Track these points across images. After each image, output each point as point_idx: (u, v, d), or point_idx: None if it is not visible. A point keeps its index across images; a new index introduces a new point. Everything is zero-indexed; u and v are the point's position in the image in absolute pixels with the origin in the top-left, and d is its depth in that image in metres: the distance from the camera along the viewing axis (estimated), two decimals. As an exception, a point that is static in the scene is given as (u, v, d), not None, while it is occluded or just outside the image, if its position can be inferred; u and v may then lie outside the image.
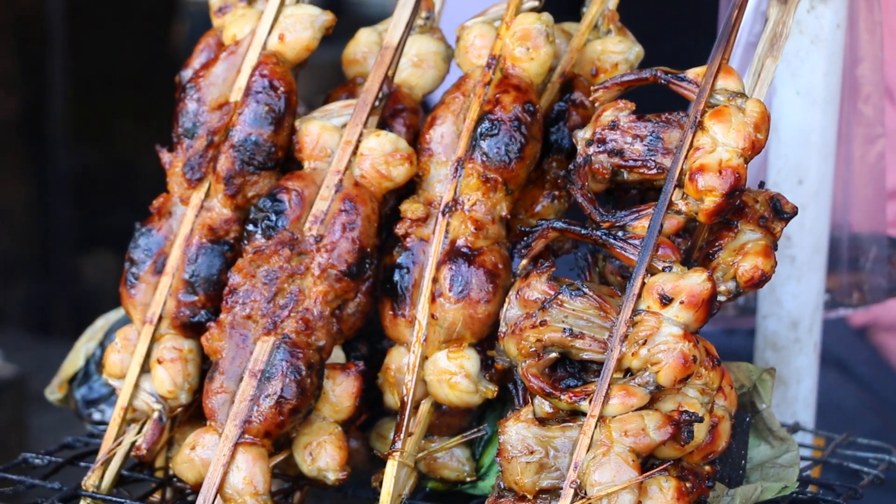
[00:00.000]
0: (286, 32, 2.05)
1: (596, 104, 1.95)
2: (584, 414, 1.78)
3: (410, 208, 1.99)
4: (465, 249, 1.95)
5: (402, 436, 1.94)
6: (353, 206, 1.97)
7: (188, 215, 2.04)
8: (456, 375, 1.94)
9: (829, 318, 2.49)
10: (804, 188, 2.32)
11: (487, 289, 1.94)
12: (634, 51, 2.08)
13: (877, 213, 2.47)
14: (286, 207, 1.97)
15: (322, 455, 1.93)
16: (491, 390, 1.96)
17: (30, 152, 6.26)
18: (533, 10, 2.03)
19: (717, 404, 1.84)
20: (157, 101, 6.39)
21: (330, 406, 1.96)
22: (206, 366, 2.04)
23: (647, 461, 1.78)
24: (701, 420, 1.77)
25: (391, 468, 1.93)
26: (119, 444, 2.02)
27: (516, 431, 1.80)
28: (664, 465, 1.77)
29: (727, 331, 2.79)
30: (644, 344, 1.77)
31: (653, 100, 1.99)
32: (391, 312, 1.98)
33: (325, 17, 2.07)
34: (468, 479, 2.04)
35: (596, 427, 1.76)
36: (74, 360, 2.30)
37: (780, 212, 1.91)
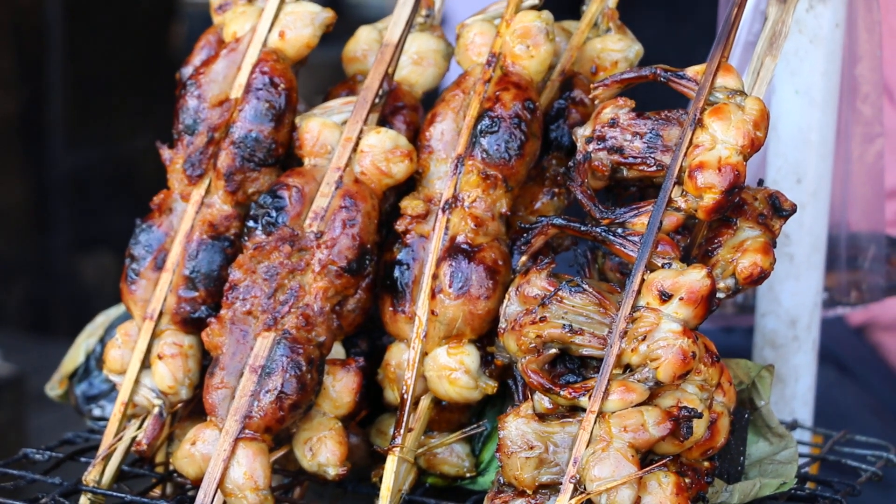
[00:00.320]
0: (287, 30, 2.06)
1: (596, 102, 1.95)
2: (584, 409, 1.78)
3: (410, 205, 2.00)
4: (465, 246, 1.96)
5: (401, 431, 1.95)
6: (353, 202, 1.98)
7: (189, 212, 2.05)
8: (456, 371, 1.95)
9: (827, 317, 2.49)
10: (803, 187, 2.32)
11: (487, 285, 1.94)
12: (634, 49, 2.08)
13: (875, 212, 2.47)
14: (286, 204, 1.98)
15: (322, 450, 1.94)
16: (491, 386, 1.96)
17: (28, 152, 6.26)
18: (533, 7, 2.04)
19: (716, 401, 1.85)
20: (156, 101, 6.40)
21: (330, 402, 1.97)
22: (206, 361, 2.04)
23: (646, 457, 1.79)
24: (700, 416, 1.78)
25: (391, 464, 1.94)
26: (119, 439, 2.02)
27: (516, 427, 1.80)
28: (663, 461, 1.77)
29: (725, 329, 2.80)
30: (643, 340, 1.78)
31: (652, 98, 1.99)
32: (391, 309, 1.99)
33: (325, 15, 2.07)
34: (468, 475, 2.04)
35: (595, 422, 1.77)
36: (75, 357, 2.30)
37: (779, 209, 1.91)
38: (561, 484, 1.76)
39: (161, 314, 2.04)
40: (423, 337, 1.96)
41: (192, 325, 2.03)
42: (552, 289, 1.83)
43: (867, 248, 2.50)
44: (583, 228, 1.89)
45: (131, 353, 2.04)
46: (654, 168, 1.88)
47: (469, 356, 1.95)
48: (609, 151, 1.90)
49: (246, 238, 1.99)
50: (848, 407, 2.85)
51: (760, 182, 1.98)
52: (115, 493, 1.99)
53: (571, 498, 1.74)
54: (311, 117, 2.03)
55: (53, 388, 2.32)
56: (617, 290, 1.85)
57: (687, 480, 1.80)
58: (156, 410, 2.03)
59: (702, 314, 1.80)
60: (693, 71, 1.90)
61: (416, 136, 2.06)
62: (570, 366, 1.84)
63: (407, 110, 2.09)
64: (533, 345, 1.82)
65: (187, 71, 2.11)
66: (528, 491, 1.79)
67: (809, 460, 2.19)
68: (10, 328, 6.11)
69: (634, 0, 2.14)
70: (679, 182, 1.85)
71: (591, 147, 1.90)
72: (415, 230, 1.99)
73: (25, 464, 2.09)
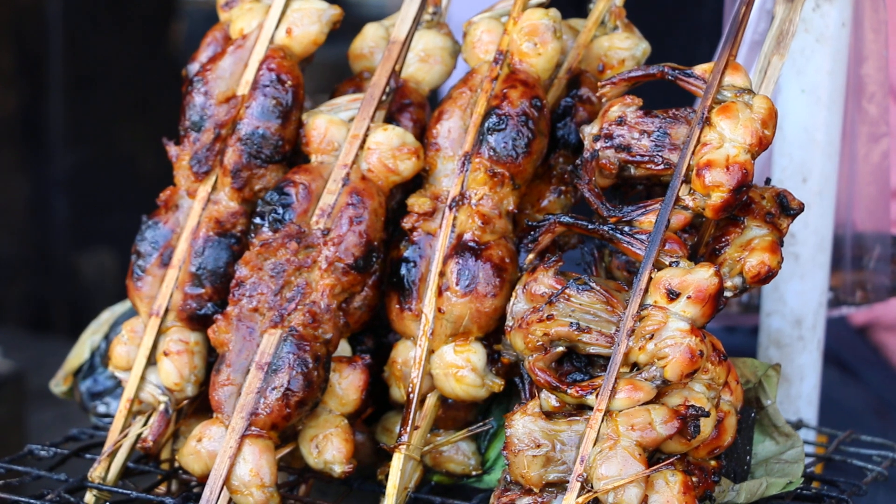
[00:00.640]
0: (293, 26, 2.06)
1: (603, 100, 1.95)
2: (591, 408, 1.78)
3: (417, 202, 1.99)
4: (472, 243, 1.96)
5: (408, 429, 1.95)
6: (360, 199, 1.97)
7: (195, 208, 2.05)
8: (462, 369, 1.95)
9: (831, 317, 2.49)
10: (808, 186, 2.32)
11: (494, 283, 1.94)
12: (641, 47, 2.08)
13: (880, 211, 2.47)
14: (293, 201, 1.97)
15: (328, 448, 1.94)
16: (497, 384, 1.96)
17: (28, 150, 6.26)
18: (540, 5, 2.04)
19: (723, 399, 1.85)
20: (156, 100, 6.39)
21: (336, 399, 1.97)
22: (212, 358, 2.04)
23: (653, 455, 1.78)
24: (707, 415, 1.78)
25: (397, 461, 1.94)
26: (125, 436, 2.02)
27: (523, 425, 1.80)
28: (671, 460, 1.77)
29: (728, 328, 2.80)
30: (651, 338, 1.77)
31: (657, 96, 1.99)
32: (398, 306, 1.98)
33: (332, 12, 2.07)
34: (474, 473, 2.04)
35: (602, 421, 1.76)
36: (79, 353, 2.30)
37: (787, 208, 1.91)
38: (568, 482, 1.76)
39: (167, 311, 2.03)
40: (430, 334, 1.96)
41: (199, 322, 2.03)
42: (559, 287, 1.83)
43: (872, 247, 2.50)
44: (590, 226, 1.89)
45: (137, 350, 2.04)
46: (661, 166, 1.88)
47: (476, 354, 1.95)
48: (616, 149, 1.90)
49: (252, 235, 1.98)
50: (850, 407, 2.85)
51: (768, 181, 1.98)
52: (120, 490, 1.98)
53: (578, 496, 1.74)
54: (317, 114, 2.03)
55: (58, 385, 2.31)
56: (624, 288, 1.84)
57: (694, 479, 1.80)
58: (161, 407, 2.02)
59: (709, 313, 1.80)
60: (701, 69, 1.90)
61: (422, 133, 2.05)
62: (577, 364, 1.84)
63: (414, 108, 2.08)
64: (540, 343, 1.82)
65: (194, 67, 2.11)
66: (534, 489, 1.79)
67: (815, 460, 2.19)
68: (9, 325, 6.11)
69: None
70: (687, 180, 1.85)
71: (598, 145, 1.90)
72: (422, 227, 1.98)
73: (30, 460, 2.09)
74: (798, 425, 2.31)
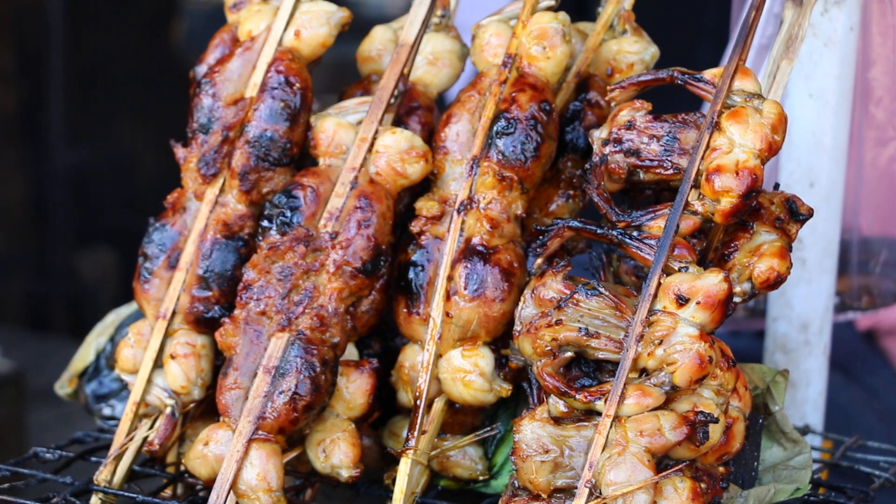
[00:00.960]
0: (302, 29, 2.05)
1: (612, 104, 1.95)
2: (600, 413, 1.78)
3: (425, 206, 1.99)
4: (480, 248, 1.95)
5: (415, 433, 1.94)
6: (368, 203, 1.97)
7: (202, 211, 2.04)
8: (470, 374, 1.94)
9: (837, 322, 2.49)
10: (815, 191, 2.32)
11: (503, 287, 1.94)
12: (650, 51, 2.08)
13: (887, 216, 2.47)
14: (301, 204, 1.97)
15: (336, 452, 1.93)
16: (505, 389, 1.96)
17: (28, 148, 6.25)
18: (549, 9, 2.03)
19: (731, 405, 1.84)
20: (156, 99, 6.39)
21: (344, 403, 1.96)
22: (219, 362, 2.04)
23: (662, 462, 1.78)
24: (716, 421, 1.77)
25: (404, 466, 1.93)
26: (131, 439, 2.02)
27: (531, 430, 1.79)
28: (679, 466, 1.77)
29: (733, 333, 2.80)
30: (660, 344, 1.77)
31: (660, 100, 1.99)
32: (405, 310, 1.98)
33: (341, 14, 2.07)
34: (481, 478, 2.04)
35: (611, 427, 1.76)
36: (84, 355, 2.29)
37: (796, 213, 1.91)
38: (576, 488, 1.76)
39: (174, 313, 2.03)
40: (438, 339, 1.95)
41: (206, 325, 2.02)
42: (568, 292, 1.82)
43: (879, 252, 2.50)
44: (599, 231, 1.88)
45: (144, 353, 2.03)
46: (670, 171, 1.87)
47: (484, 358, 1.95)
48: (626, 154, 1.89)
49: (260, 238, 1.98)
50: (854, 412, 2.85)
51: (776, 186, 1.97)
52: (126, 493, 1.98)
53: (587, 502, 1.74)
54: (326, 117, 2.03)
55: (63, 387, 2.31)
56: (633, 293, 1.84)
57: (703, 485, 1.80)
58: (168, 410, 2.02)
59: (718, 318, 1.80)
60: (710, 74, 1.89)
61: (430, 136, 2.05)
62: (586, 369, 1.83)
63: (422, 111, 2.08)
64: (548, 348, 1.82)
65: (201, 69, 2.10)
66: (543, 495, 1.79)
67: (821, 466, 2.19)
68: (8, 324, 6.10)
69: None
70: (696, 185, 1.84)
71: (607, 149, 1.90)
72: (430, 231, 1.98)
73: (35, 463, 2.08)
74: (804, 431, 2.30)
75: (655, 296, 1.80)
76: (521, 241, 1.99)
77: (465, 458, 2.03)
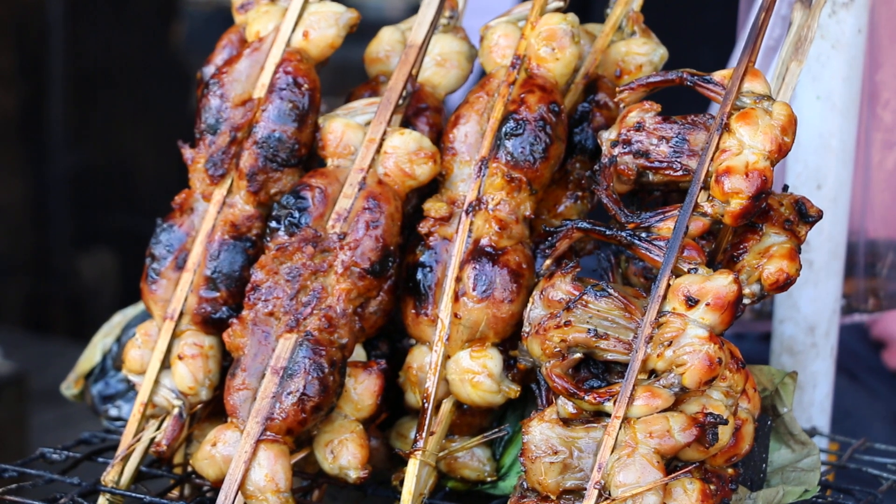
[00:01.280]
0: (310, 29, 2.05)
1: (621, 105, 1.94)
2: (609, 415, 1.77)
3: (434, 207, 1.99)
4: (488, 249, 1.95)
5: (423, 435, 1.94)
6: (376, 204, 1.97)
7: (210, 211, 2.04)
8: (479, 375, 1.94)
9: (843, 324, 2.49)
10: (823, 193, 2.31)
11: (511, 288, 1.94)
12: (659, 52, 2.08)
13: (894, 218, 2.47)
14: (309, 205, 1.96)
15: (343, 453, 1.93)
16: (514, 390, 1.96)
17: (28, 150, 6.25)
18: (558, 10, 2.03)
19: (740, 407, 1.84)
20: (157, 101, 6.39)
21: (352, 404, 1.96)
22: (226, 362, 2.04)
23: (671, 463, 1.78)
24: (725, 422, 1.77)
25: (413, 467, 1.93)
26: (138, 439, 2.01)
27: (540, 431, 1.79)
28: (689, 468, 1.76)
29: (738, 335, 2.79)
30: (669, 345, 1.77)
31: (671, 102, 1.99)
32: (413, 311, 1.98)
33: (349, 15, 2.07)
34: (489, 479, 2.03)
35: (620, 428, 1.76)
36: (91, 356, 2.29)
37: (805, 215, 1.90)
38: (585, 489, 1.75)
39: (181, 314, 2.03)
40: (446, 340, 1.95)
41: (213, 326, 2.02)
42: (577, 293, 1.82)
43: (885, 254, 2.50)
44: (608, 232, 1.88)
45: (151, 354, 2.03)
46: (680, 172, 1.87)
47: (492, 360, 1.94)
48: (635, 155, 1.89)
49: (268, 239, 1.98)
50: (859, 415, 2.85)
51: (785, 188, 1.97)
52: (133, 494, 1.97)
53: None
54: (334, 118, 2.03)
55: (69, 388, 2.30)
56: (642, 294, 1.84)
57: (712, 487, 1.79)
58: (175, 411, 2.01)
59: (728, 320, 1.79)
60: (720, 75, 1.89)
61: (439, 137, 2.05)
62: (595, 370, 1.83)
63: (430, 112, 2.08)
64: (557, 349, 1.81)
65: (209, 70, 2.10)
66: (551, 496, 1.78)
67: (829, 468, 2.19)
68: (9, 326, 6.10)
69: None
70: (705, 187, 1.84)
71: (616, 151, 1.90)
72: (438, 232, 1.98)
73: (42, 464, 2.07)
74: (811, 433, 2.30)
75: (665, 297, 1.80)
76: (529, 242, 1.98)
77: (473, 459, 2.03)
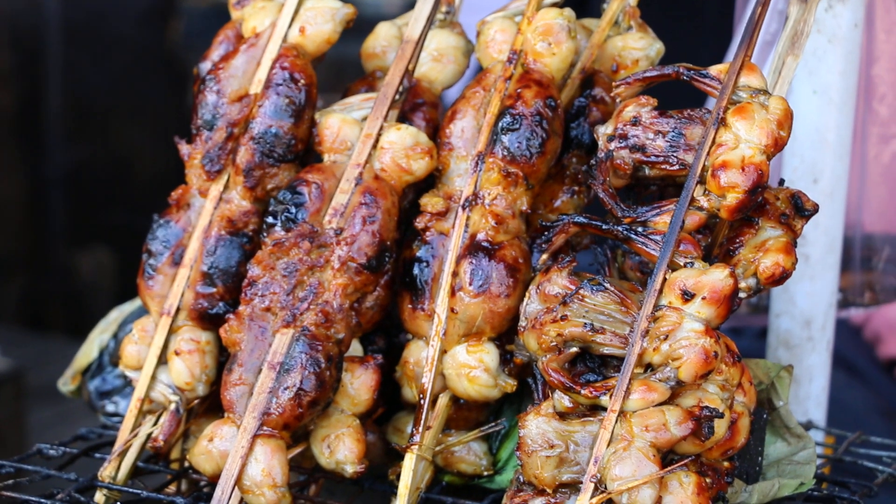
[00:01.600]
0: (307, 25, 2.05)
1: (617, 100, 1.95)
2: (605, 409, 1.78)
3: (430, 202, 1.99)
4: (485, 243, 1.95)
5: (420, 429, 1.94)
6: (373, 199, 1.97)
7: (207, 207, 2.04)
8: (475, 369, 1.94)
9: (839, 318, 2.49)
10: (819, 187, 2.32)
11: (508, 283, 1.94)
12: (655, 47, 2.08)
13: (890, 213, 2.47)
14: (306, 200, 1.97)
15: (340, 448, 1.93)
16: (510, 384, 1.96)
17: (25, 148, 6.25)
18: (554, 5, 2.03)
19: (736, 401, 1.84)
20: (153, 98, 6.39)
21: (348, 399, 1.96)
22: (223, 358, 2.04)
23: (667, 457, 1.78)
24: (721, 416, 1.77)
25: (409, 461, 1.93)
26: (135, 435, 2.02)
27: (537, 425, 1.79)
28: (685, 461, 1.77)
29: (735, 330, 2.80)
30: (665, 339, 1.77)
31: (667, 97, 1.99)
32: (410, 306, 1.98)
33: (346, 11, 2.07)
34: (485, 473, 2.04)
35: (616, 422, 1.76)
36: (88, 352, 2.29)
37: (801, 209, 1.91)
38: (581, 483, 1.76)
39: (178, 310, 2.03)
40: (443, 335, 1.95)
41: (210, 322, 2.02)
42: (573, 287, 1.82)
43: (881, 249, 2.50)
44: (604, 227, 1.88)
45: (148, 349, 2.03)
46: (676, 167, 1.87)
47: (488, 354, 1.95)
48: (631, 150, 1.89)
49: (265, 234, 1.98)
50: (857, 409, 2.85)
51: (781, 182, 1.97)
52: (130, 490, 1.98)
53: (592, 497, 1.74)
54: (330, 113, 2.03)
55: (66, 384, 2.31)
56: (638, 289, 1.84)
57: (707, 480, 1.80)
58: (172, 407, 2.02)
59: (724, 314, 1.80)
60: (716, 70, 1.89)
61: (435, 132, 2.05)
62: (591, 364, 1.83)
63: (427, 107, 2.08)
64: (553, 343, 1.82)
65: (205, 66, 2.10)
66: (548, 490, 1.79)
67: (825, 461, 2.19)
68: (7, 323, 6.10)
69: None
70: (702, 181, 1.84)
71: (613, 145, 1.90)
72: (434, 227, 1.98)
73: (39, 459, 2.08)
74: (807, 426, 2.30)
75: (661, 291, 1.80)
76: (526, 236, 1.99)
77: (469, 453, 2.03)
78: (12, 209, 6.22)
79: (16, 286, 6.25)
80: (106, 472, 2.00)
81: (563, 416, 1.81)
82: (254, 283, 1.96)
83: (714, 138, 1.84)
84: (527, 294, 1.86)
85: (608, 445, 1.75)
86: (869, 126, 2.43)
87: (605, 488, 1.74)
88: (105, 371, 2.27)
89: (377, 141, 2.00)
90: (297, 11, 2.06)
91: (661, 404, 1.77)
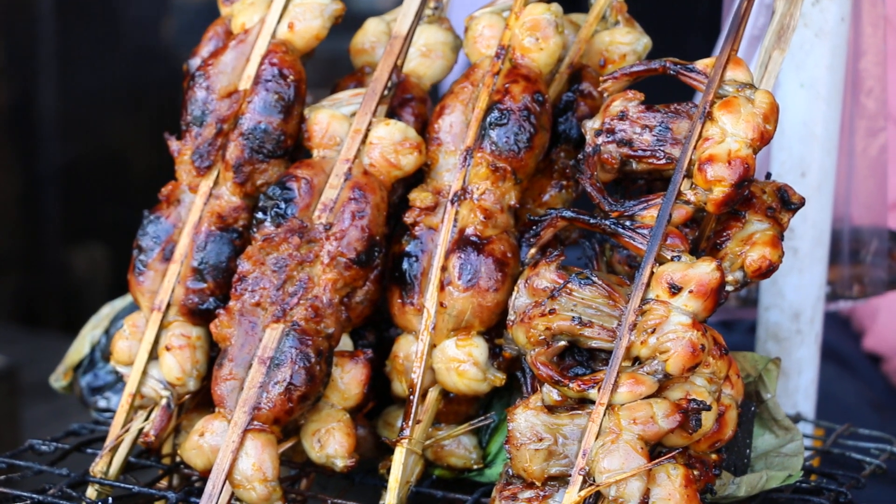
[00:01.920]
0: (296, 21, 2.06)
1: (605, 94, 1.95)
2: (593, 402, 1.79)
3: (419, 197, 2.00)
4: (474, 238, 1.96)
5: (410, 423, 1.95)
6: (362, 194, 1.98)
7: (197, 203, 2.05)
8: (464, 363, 1.95)
9: (828, 311, 2.50)
10: (807, 181, 2.33)
11: (496, 277, 1.95)
12: (642, 42, 2.09)
13: (878, 206, 2.48)
14: (295, 195, 1.98)
15: (331, 442, 1.94)
16: (499, 378, 1.97)
17: (19, 145, 6.25)
18: (542, 0, 2.04)
19: (724, 393, 1.85)
20: (147, 94, 6.39)
21: (338, 393, 1.97)
22: (213, 353, 2.05)
23: (655, 449, 1.79)
24: (709, 408, 1.78)
25: (399, 455, 1.94)
26: (127, 430, 2.02)
27: (525, 419, 1.80)
28: (672, 453, 1.78)
29: (726, 324, 2.81)
30: (653, 332, 1.78)
31: (657, 90, 2.00)
32: (399, 301, 1.99)
33: (334, 6, 2.07)
34: (475, 467, 2.05)
35: (605, 415, 1.77)
36: (79, 348, 2.30)
37: (788, 202, 1.92)
38: (570, 476, 1.77)
39: (169, 305, 2.04)
40: (432, 329, 1.96)
41: (200, 317, 2.03)
42: (561, 281, 1.83)
43: (869, 241, 2.51)
44: (592, 221, 1.89)
45: (139, 345, 2.04)
46: (663, 161, 1.88)
47: (477, 348, 1.96)
48: (618, 144, 1.90)
49: (255, 230, 1.99)
50: (848, 402, 2.86)
51: (768, 175, 1.98)
52: (122, 485, 1.99)
53: (581, 490, 1.75)
54: (319, 109, 2.04)
55: (58, 380, 2.31)
56: (626, 282, 1.85)
57: (695, 472, 1.81)
58: (163, 402, 2.03)
59: (711, 307, 1.81)
60: (703, 64, 1.90)
61: (424, 128, 2.06)
62: (579, 358, 1.84)
63: (415, 102, 2.09)
64: (542, 337, 1.82)
65: (195, 62, 2.11)
66: (537, 483, 1.80)
67: (813, 453, 2.20)
68: (1, 320, 6.10)
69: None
70: (688, 175, 1.85)
71: (600, 140, 1.91)
72: (423, 222, 1.99)
73: (31, 455, 2.09)
74: (796, 419, 2.31)
75: (648, 285, 1.81)
76: (514, 231, 2.00)
77: (459, 447, 2.04)
78: (6, 206, 6.22)
79: (10, 283, 6.25)
80: (98, 468, 2.01)
81: (551, 409, 1.82)
82: (244, 279, 1.96)
83: (700, 132, 1.85)
84: (515, 288, 1.87)
85: (596, 438, 1.76)
86: (856, 120, 2.44)
87: (594, 481, 1.75)
88: (97, 367, 2.28)
89: (366, 136, 2.01)
90: (285, 7, 2.06)
91: (648, 397, 1.78)
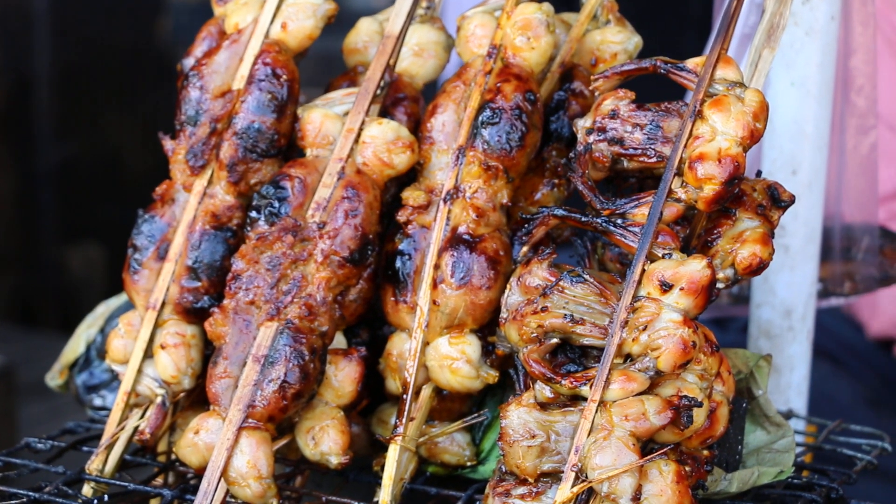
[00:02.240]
0: (289, 21, 2.07)
1: (596, 93, 1.97)
2: (585, 399, 1.80)
3: (412, 196, 2.01)
4: (466, 236, 1.97)
5: (403, 420, 1.96)
6: (355, 193, 1.99)
7: (191, 202, 2.06)
8: (457, 361, 1.96)
9: (820, 308, 2.51)
10: (798, 179, 2.34)
11: (489, 275, 1.96)
12: (633, 41, 2.10)
13: (869, 203, 2.49)
14: (289, 194, 1.99)
15: (325, 439, 1.95)
16: (492, 375, 1.98)
17: (15, 144, 6.25)
18: (533, 0, 2.05)
19: (715, 390, 1.86)
20: (142, 94, 6.39)
21: (332, 391, 1.98)
22: (208, 351, 2.06)
23: (647, 445, 1.80)
24: (700, 405, 1.79)
25: (393, 452, 1.95)
26: (122, 428, 2.03)
27: (518, 416, 1.81)
28: (664, 450, 1.79)
29: (719, 323, 2.82)
30: (644, 330, 1.79)
31: (648, 89, 2.01)
32: (393, 299, 2.00)
33: (327, 6, 2.08)
34: (468, 464, 2.05)
35: (597, 411, 1.78)
36: (75, 347, 2.31)
37: (778, 200, 1.93)
38: (562, 472, 1.78)
39: (164, 304, 2.05)
40: (425, 327, 1.97)
41: (195, 315, 2.04)
42: (553, 279, 1.84)
43: (861, 239, 2.52)
44: (583, 219, 1.90)
45: (134, 343, 2.05)
46: (654, 159, 1.89)
47: (470, 346, 1.97)
48: (609, 143, 1.91)
49: (249, 228, 2.00)
50: (843, 400, 2.87)
51: (759, 173, 2.00)
52: (118, 482, 2.00)
53: (573, 486, 1.76)
54: (312, 108, 2.05)
55: (54, 379, 2.32)
56: (618, 280, 1.86)
57: (687, 468, 1.82)
58: (158, 400, 2.04)
59: (702, 304, 1.82)
60: (693, 63, 1.91)
61: (417, 127, 2.07)
62: (571, 355, 1.85)
63: (408, 101, 2.10)
64: (534, 334, 1.83)
65: (189, 62, 2.12)
66: (529, 479, 1.81)
67: (805, 449, 2.21)
68: (-3, 319, 6.11)
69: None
70: (679, 173, 1.86)
71: (591, 138, 1.92)
72: (416, 221, 2.00)
73: (27, 453, 2.09)
74: (788, 415, 2.32)
75: (639, 282, 1.82)
76: (506, 229, 2.01)
77: (452, 444, 2.05)
78: (2, 205, 6.23)
79: (6, 282, 6.26)
80: (93, 466, 2.02)
81: (544, 406, 1.83)
82: (238, 277, 1.98)
83: (691, 131, 1.86)
84: (508, 286, 1.88)
85: (588, 435, 1.77)
86: (847, 118, 2.45)
87: (586, 477, 1.76)
88: (92, 365, 2.29)
89: (359, 135, 2.02)
90: (278, 7, 2.07)
91: (640, 394, 1.79)
